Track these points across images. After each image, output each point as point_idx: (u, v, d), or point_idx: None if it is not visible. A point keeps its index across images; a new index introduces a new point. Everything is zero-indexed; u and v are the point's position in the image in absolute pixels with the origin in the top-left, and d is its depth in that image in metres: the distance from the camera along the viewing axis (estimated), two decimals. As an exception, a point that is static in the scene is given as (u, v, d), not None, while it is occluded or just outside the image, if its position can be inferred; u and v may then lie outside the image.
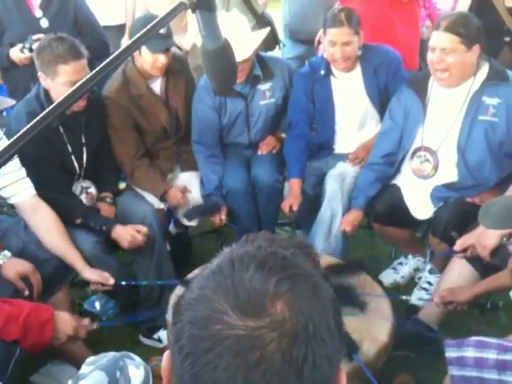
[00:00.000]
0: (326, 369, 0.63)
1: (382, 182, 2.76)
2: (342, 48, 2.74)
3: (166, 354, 0.68)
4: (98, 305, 2.83)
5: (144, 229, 2.54)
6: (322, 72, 2.89)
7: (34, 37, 2.99)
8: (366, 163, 2.83)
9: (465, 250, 2.33)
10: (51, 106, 0.75)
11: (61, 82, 2.37)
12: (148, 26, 0.83)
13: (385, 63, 2.87)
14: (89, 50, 3.02)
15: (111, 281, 2.35)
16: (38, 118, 0.74)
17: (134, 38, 0.82)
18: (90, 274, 2.34)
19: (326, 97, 2.94)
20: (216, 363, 0.60)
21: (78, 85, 0.77)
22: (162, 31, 2.57)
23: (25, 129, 0.73)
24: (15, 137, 0.73)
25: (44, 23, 3.15)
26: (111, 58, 0.80)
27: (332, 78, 2.91)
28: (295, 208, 2.84)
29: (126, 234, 2.51)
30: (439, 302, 2.25)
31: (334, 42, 2.75)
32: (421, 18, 3.76)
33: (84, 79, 0.78)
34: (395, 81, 2.85)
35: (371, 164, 2.78)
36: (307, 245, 0.74)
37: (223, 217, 2.86)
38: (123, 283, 2.43)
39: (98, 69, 0.78)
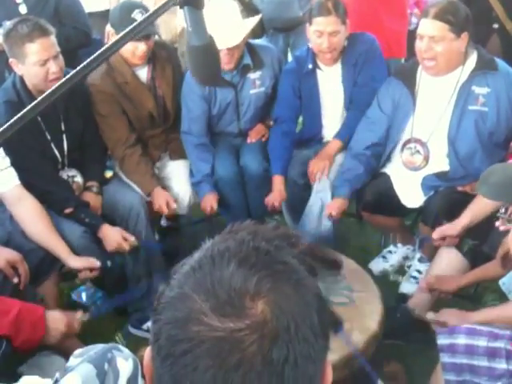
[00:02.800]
0: (309, 368, 0.62)
1: (369, 175, 2.74)
2: (329, 38, 2.68)
3: (148, 351, 0.66)
4: (86, 295, 2.82)
5: (132, 238, 2.50)
6: (310, 66, 2.86)
7: (8, 23, 2.94)
8: (352, 152, 2.78)
9: (444, 239, 2.34)
10: (38, 100, 0.75)
11: (31, 63, 2.34)
12: (140, 20, 0.82)
13: (366, 53, 2.82)
14: (68, 40, 2.98)
15: (97, 263, 2.32)
16: (24, 111, 0.74)
17: (124, 32, 0.81)
18: (75, 262, 2.32)
19: (312, 91, 2.91)
20: (195, 365, 0.58)
21: (65, 78, 0.77)
22: (139, 18, 2.53)
23: (9, 122, 0.72)
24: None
25: (23, 9, 3.10)
26: (100, 51, 0.79)
27: (318, 71, 2.88)
28: (277, 204, 2.85)
29: (112, 239, 2.48)
30: (425, 288, 2.26)
31: (320, 32, 2.69)
32: (409, 5, 3.75)
33: (72, 72, 0.77)
34: (368, 72, 2.79)
35: (358, 154, 2.73)
36: (292, 235, 0.72)
37: (214, 205, 2.84)
38: (109, 264, 2.41)
39: (85, 63, 0.78)
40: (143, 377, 1.64)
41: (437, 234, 2.36)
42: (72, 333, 2.04)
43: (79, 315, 2.08)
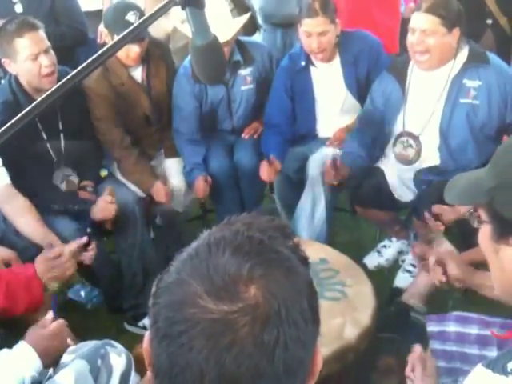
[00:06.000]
0: (299, 351, 0.65)
1: (363, 170, 2.75)
2: (318, 38, 2.69)
3: (147, 335, 0.70)
4: (82, 293, 2.83)
5: (109, 197, 2.48)
6: (303, 63, 2.86)
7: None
8: (346, 148, 2.79)
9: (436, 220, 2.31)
10: (35, 102, 0.76)
11: (23, 59, 2.35)
12: (138, 22, 0.83)
13: (364, 50, 2.84)
14: (62, 38, 2.97)
15: (83, 239, 2.17)
16: (22, 113, 0.75)
17: (122, 34, 0.83)
18: (68, 246, 2.14)
19: (305, 88, 2.92)
20: (190, 345, 0.62)
21: (62, 81, 0.78)
22: (133, 20, 2.54)
23: (7, 125, 0.74)
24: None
25: (18, 8, 3.10)
26: (98, 54, 0.81)
27: (312, 68, 2.89)
28: (272, 176, 2.87)
29: (98, 209, 2.48)
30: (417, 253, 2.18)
31: (309, 33, 2.69)
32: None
33: (70, 75, 0.78)
34: (377, 67, 2.82)
35: (353, 150, 2.74)
36: (285, 226, 0.75)
37: (207, 188, 2.83)
38: (88, 230, 2.40)
39: (83, 65, 0.80)
40: (137, 372, 1.66)
41: (437, 208, 2.31)
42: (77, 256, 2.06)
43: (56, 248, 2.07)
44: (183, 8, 1.01)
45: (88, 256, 2.22)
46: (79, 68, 0.80)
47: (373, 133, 2.74)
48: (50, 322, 1.70)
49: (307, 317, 0.66)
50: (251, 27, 3.51)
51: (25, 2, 3.10)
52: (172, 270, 0.68)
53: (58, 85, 0.79)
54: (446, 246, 2.29)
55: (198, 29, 1.06)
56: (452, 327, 1.71)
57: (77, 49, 3.19)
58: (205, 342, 0.61)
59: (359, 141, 2.75)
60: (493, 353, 1.64)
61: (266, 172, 2.86)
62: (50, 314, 1.74)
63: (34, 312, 1.95)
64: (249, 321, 0.61)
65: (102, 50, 0.82)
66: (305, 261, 0.71)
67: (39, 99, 0.78)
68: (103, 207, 2.48)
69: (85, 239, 2.16)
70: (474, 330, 1.68)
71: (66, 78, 0.79)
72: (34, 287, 1.91)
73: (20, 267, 2.00)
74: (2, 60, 2.42)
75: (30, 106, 0.79)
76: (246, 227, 0.70)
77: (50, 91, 0.78)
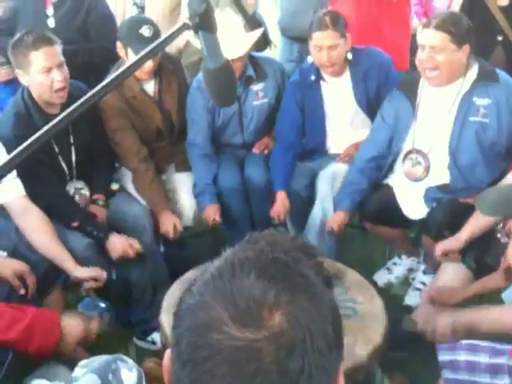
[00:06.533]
0: (323, 378, 0.63)
1: (372, 187, 2.76)
2: (328, 52, 2.71)
3: (167, 353, 0.69)
4: (91, 307, 2.82)
5: (137, 244, 2.53)
6: (313, 77, 2.88)
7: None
8: (355, 165, 2.80)
9: (446, 254, 2.35)
10: (56, 119, 0.78)
11: (35, 71, 2.38)
12: (152, 45, 0.86)
13: (374, 67, 2.86)
14: (91, 55, 3.01)
15: (103, 274, 2.34)
16: (41, 132, 0.79)
17: (141, 54, 0.86)
18: (81, 272, 2.32)
19: (316, 102, 2.94)
20: (213, 372, 0.60)
21: (83, 99, 0.80)
22: (147, 34, 2.57)
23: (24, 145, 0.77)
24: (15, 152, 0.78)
25: (51, 23, 3.13)
26: (117, 73, 0.83)
27: (322, 82, 2.90)
28: (282, 216, 2.89)
29: (118, 246, 2.50)
30: (428, 301, 2.25)
31: (319, 47, 2.72)
32: (418, 15, 3.77)
33: (90, 92, 0.81)
34: (387, 84, 2.84)
35: (361, 168, 2.76)
36: (310, 246, 0.75)
37: (217, 217, 2.85)
38: (114, 277, 2.42)
39: (103, 83, 0.82)
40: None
41: (439, 249, 2.36)
42: (87, 342, 2.05)
43: (97, 322, 2.10)
44: (195, 32, 1.02)
45: (94, 286, 2.34)
46: (99, 86, 0.81)
47: (379, 150, 2.74)
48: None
49: (331, 343, 0.64)
50: (263, 42, 3.54)
51: (58, 16, 3.13)
52: (194, 290, 0.67)
53: (80, 101, 0.81)
54: (452, 272, 2.31)
55: (210, 52, 1.07)
56: (463, 356, 1.70)
57: (106, 66, 3.18)
58: (228, 370, 0.60)
59: (362, 171, 2.75)
60: (504, 381, 1.63)
61: (277, 213, 2.87)
62: None
63: (44, 357, 1.99)
64: (274, 349, 0.60)
65: (121, 70, 0.84)
66: (328, 282, 0.71)
67: (62, 115, 0.79)
68: (125, 250, 2.50)
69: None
70: (484, 359, 1.67)
71: (86, 97, 0.80)
72: (52, 334, 1.93)
73: (46, 310, 2.02)
74: (16, 71, 2.46)
75: (51, 124, 0.80)
76: (270, 247, 0.69)
77: (71, 108, 0.80)
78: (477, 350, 1.69)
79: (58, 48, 2.43)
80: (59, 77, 2.40)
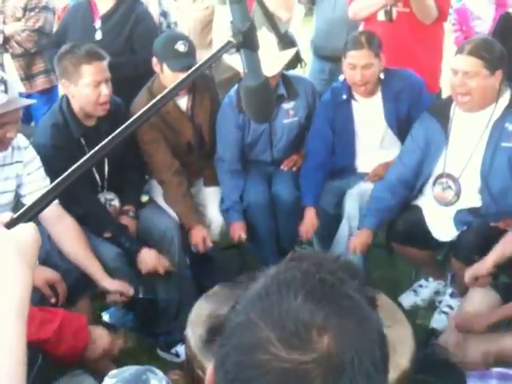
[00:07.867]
0: None
1: (400, 207, 2.75)
2: (362, 71, 2.74)
3: (210, 369, 0.69)
4: (116, 317, 2.84)
5: (167, 264, 2.56)
6: (344, 97, 2.90)
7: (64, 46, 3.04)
8: (383, 182, 2.80)
9: (476, 279, 2.33)
10: (108, 138, 0.84)
11: (85, 84, 2.44)
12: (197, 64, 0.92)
13: (406, 89, 2.86)
14: (136, 68, 3.06)
15: (130, 291, 2.36)
16: (92, 152, 0.87)
17: (186, 74, 0.92)
18: (109, 283, 2.35)
19: (346, 121, 2.95)
20: None
21: (131, 120, 0.87)
22: (182, 49, 2.61)
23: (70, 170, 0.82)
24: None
25: (98, 35, 3.21)
26: (165, 92, 0.92)
27: (353, 102, 2.92)
28: (310, 235, 2.90)
29: (148, 262, 2.53)
30: (455, 328, 2.24)
31: (353, 65, 2.74)
32: (458, 41, 3.78)
33: (134, 117, 0.87)
34: (418, 106, 2.84)
35: (391, 186, 2.75)
36: (354, 266, 0.74)
37: (242, 234, 2.87)
38: (140, 296, 2.44)
39: (148, 106, 0.87)
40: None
41: (468, 275, 2.34)
42: (111, 353, 2.07)
43: (121, 341, 2.12)
44: (237, 50, 1.05)
45: (119, 300, 2.39)
46: (149, 105, 0.84)
47: (409, 172, 2.73)
48: None
49: (379, 367, 0.64)
50: (295, 61, 3.57)
51: (105, 29, 3.21)
52: (240, 309, 0.67)
53: (131, 120, 0.83)
54: (480, 296, 2.28)
55: (251, 70, 1.10)
56: None
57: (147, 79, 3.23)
58: None
59: (391, 189, 2.74)
60: None
61: (305, 230, 2.88)
62: None
63: (71, 361, 2.03)
64: (322, 372, 0.60)
65: (166, 90, 0.89)
66: (372, 302, 0.70)
67: (117, 131, 0.82)
68: (155, 267, 2.54)
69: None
70: None
71: (131, 120, 0.82)
72: (82, 336, 1.97)
73: (74, 315, 2.06)
74: (62, 80, 2.51)
75: (105, 141, 0.83)
76: (316, 268, 0.69)
77: (123, 127, 0.82)
78: (507, 378, 1.67)
79: (106, 64, 2.50)
80: (106, 91, 2.47)
